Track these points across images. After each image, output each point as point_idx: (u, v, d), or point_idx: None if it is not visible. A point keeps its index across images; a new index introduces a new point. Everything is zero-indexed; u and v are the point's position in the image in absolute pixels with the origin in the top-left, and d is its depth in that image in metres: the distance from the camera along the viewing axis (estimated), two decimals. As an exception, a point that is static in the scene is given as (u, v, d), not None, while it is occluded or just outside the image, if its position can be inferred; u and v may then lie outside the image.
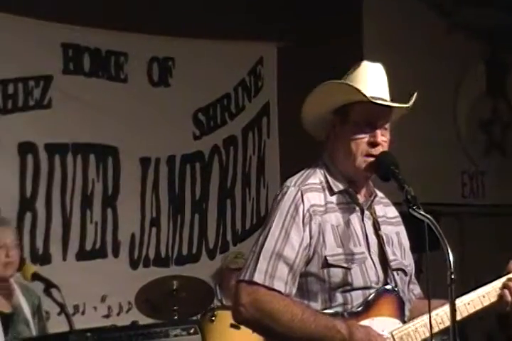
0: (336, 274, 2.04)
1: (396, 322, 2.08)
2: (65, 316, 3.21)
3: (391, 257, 2.14)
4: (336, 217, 2.09)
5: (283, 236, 2.04)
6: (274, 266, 2.02)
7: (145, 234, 4.84)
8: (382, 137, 2.11)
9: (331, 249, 2.06)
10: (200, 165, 5.09)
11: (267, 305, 2.00)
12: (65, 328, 3.20)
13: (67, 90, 4.59)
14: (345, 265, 2.05)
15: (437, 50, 5.75)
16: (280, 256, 2.03)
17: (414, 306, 2.18)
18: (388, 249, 2.14)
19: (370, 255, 2.10)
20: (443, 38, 5.86)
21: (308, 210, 2.06)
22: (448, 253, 1.89)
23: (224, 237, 5.13)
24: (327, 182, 2.13)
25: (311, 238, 2.05)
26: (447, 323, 2.04)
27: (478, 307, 2.15)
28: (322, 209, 2.08)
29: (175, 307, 3.86)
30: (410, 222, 2.15)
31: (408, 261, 2.21)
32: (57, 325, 3.56)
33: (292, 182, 2.11)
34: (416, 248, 2.24)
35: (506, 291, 2.16)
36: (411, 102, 2.14)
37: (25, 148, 4.46)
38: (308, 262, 2.05)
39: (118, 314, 4.60)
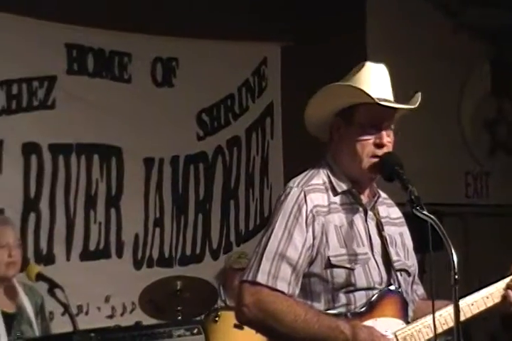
0: (339, 275, 2.04)
1: (399, 323, 2.08)
2: (69, 316, 3.21)
3: (394, 258, 2.14)
4: (339, 218, 2.09)
5: (286, 236, 2.04)
6: (277, 266, 2.02)
7: (149, 234, 4.84)
8: (388, 138, 2.11)
9: (334, 249, 2.06)
10: (203, 166, 5.09)
11: (270, 306, 2.00)
12: (69, 328, 3.20)
13: (71, 90, 4.60)
14: (348, 265, 2.05)
15: (442, 50, 5.74)
16: (283, 256, 2.03)
17: (417, 307, 2.18)
18: (391, 249, 2.14)
19: (373, 255, 2.10)
20: (448, 38, 5.85)
21: (311, 211, 2.06)
22: (452, 254, 1.88)
23: (227, 238, 5.13)
24: (330, 182, 2.13)
25: (314, 238, 2.05)
26: (451, 324, 2.03)
27: (482, 308, 2.14)
28: (325, 209, 2.08)
29: (178, 308, 3.86)
30: (414, 223, 2.15)
31: (411, 262, 2.20)
32: (61, 325, 3.56)
33: (295, 182, 2.11)
34: (419, 248, 2.23)
35: (510, 292, 2.16)
36: (417, 103, 2.14)
37: (29, 149, 4.47)
38: (311, 263, 2.05)
39: (122, 314, 4.60)
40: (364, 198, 2.16)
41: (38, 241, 4.43)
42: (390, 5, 5.69)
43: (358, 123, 2.11)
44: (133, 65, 4.83)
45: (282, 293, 2.02)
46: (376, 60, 2.19)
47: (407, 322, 2.10)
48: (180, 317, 3.84)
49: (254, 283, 2.02)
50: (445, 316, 2.06)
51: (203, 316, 3.86)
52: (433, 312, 1.99)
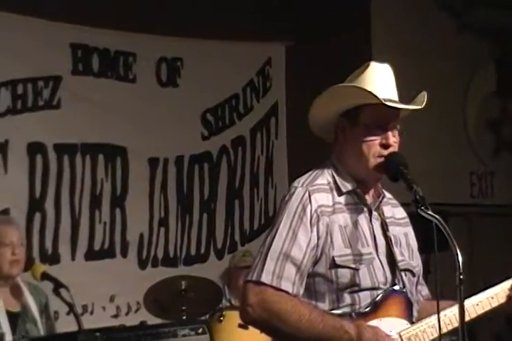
0: (344, 275, 2.04)
1: (404, 323, 2.08)
2: (74, 316, 3.22)
3: (399, 258, 2.13)
4: (343, 218, 2.09)
5: (290, 236, 2.04)
6: (282, 266, 2.02)
7: (153, 234, 4.85)
8: (393, 138, 2.11)
9: (339, 249, 2.06)
10: (208, 166, 5.09)
11: (275, 306, 2.00)
12: (74, 328, 3.21)
13: (76, 90, 4.61)
14: (353, 266, 2.05)
15: (447, 50, 5.74)
16: (288, 256, 2.03)
17: (422, 307, 2.18)
18: (396, 249, 2.14)
19: (378, 256, 2.10)
20: (453, 38, 5.85)
21: (315, 211, 2.06)
22: (457, 254, 1.88)
23: (232, 237, 5.14)
24: (335, 182, 2.13)
25: (318, 238, 2.05)
26: (455, 324, 2.03)
27: (487, 308, 2.14)
28: (330, 209, 2.08)
29: (183, 308, 3.86)
30: (419, 223, 2.15)
31: (416, 262, 2.20)
32: (66, 324, 3.57)
33: (300, 182, 2.11)
34: (424, 248, 2.23)
35: (515, 292, 2.16)
36: (423, 103, 2.13)
37: (35, 149, 4.48)
38: (315, 262, 2.05)
39: (126, 314, 4.61)
40: (369, 198, 2.16)
41: (43, 240, 4.44)
42: (394, 5, 5.69)
43: (364, 124, 2.11)
44: (138, 65, 4.84)
45: (287, 292, 2.02)
46: (381, 59, 2.19)
47: (412, 323, 2.10)
48: (185, 317, 3.84)
49: (259, 282, 2.02)
50: (450, 316, 2.06)
51: (207, 316, 3.86)
52: (438, 312, 1.99)
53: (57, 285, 3.30)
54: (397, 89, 2.16)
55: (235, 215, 5.16)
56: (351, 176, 2.13)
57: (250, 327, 2.18)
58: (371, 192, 2.17)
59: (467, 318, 1.99)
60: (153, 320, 3.94)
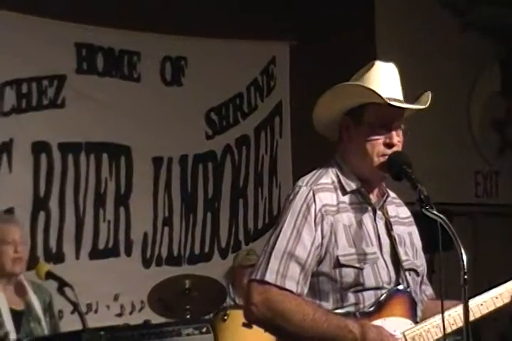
0: (348, 274, 2.04)
1: (408, 323, 2.08)
2: (78, 315, 3.23)
3: (403, 257, 2.13)
4: (348, 217, 2.09)
5: (295, 235, 2.04)
6: (286, 265, 2.02)
7: (157, 233, 4.85)
8: (397, 138, 2.11)
9: (343, 248, 2.05)
10: (212, 165, 5.09)
11: (279, 305, 2.00)
12: (78, 327, 3.22)
13: (80, 89, 4.61)
14: (357, 265, 2.05)
15: (451, 49, 5.73)
16: (292, 255, 2.02)
17: (426, 307, 2.18)
18: (400, 249, 2.14)
19: (382, 255, 2.10)
20: (456, 37, 5.84)
21: (320, 210, 2.06)
22: (461, 254, 1.88)
23: (236, 236, 5.14)
24: (339, 181, 2.12)
25: (322, 238, 2.05)
26: (460, 324, 2.03)
27: (491, 308, 2.14)
28: (334, 209, 2.08)
29: (187, 307, 3.86)
30: (423, 222, 2.15)
31: (420, 262, 2.20)
32: (70, 323, 3.58)
33: (304, 181, 2.11)
34: (428, 248, 2.23)
35: (520, 292, 2.15)
36: (427, 103, 2.13)
37: (39, 148, 4.48)
38: (319, 262, 2.05)
39: (130, 313, 4.62)
40: (373, 197, 2.15)
41: (48, 239, 4.45)
42: (398, 4, 5.68)
43: (368, 123, 2.10)
44: (142, 64, 4.84)
45: (291, 292, 2.01)
46: (385, 59, 2.18)
47: (416, 322, 2.09)
48: (188, 316, 3.85)
49: (263, 282, 2.02)
50: (454, 316, 2.06)
51: (211, 315, 3.86)
52: (442, 312, 1.98)
53: (62, 284, 3.31)
54: (402, 89, 2.15)
55: (239, 214, 5.16)
56: (355, 175, 2.13)
57: (254, 326, 2.18)
58: (375, 191, 2.17)
59: (471, 318, 1.98)
60: (157, 319, 3.95)
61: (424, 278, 2.23)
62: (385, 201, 2.17)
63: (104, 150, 4.69)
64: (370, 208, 2.13)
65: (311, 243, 2.04)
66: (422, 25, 5.69)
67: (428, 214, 1.97)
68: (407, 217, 2.24)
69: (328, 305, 2.04)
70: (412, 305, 2.10)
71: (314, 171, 2.15)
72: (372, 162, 2.09)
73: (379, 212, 2.14)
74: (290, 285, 2.01)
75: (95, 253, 4.60)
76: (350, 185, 2.12)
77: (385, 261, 2.09)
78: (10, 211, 4.28)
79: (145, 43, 4.83)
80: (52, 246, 4.46)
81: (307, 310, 1.99)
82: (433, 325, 2.06)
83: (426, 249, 2.24)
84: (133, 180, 4.78)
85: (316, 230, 2.04)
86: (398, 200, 2.24)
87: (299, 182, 2.11)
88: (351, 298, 2.04)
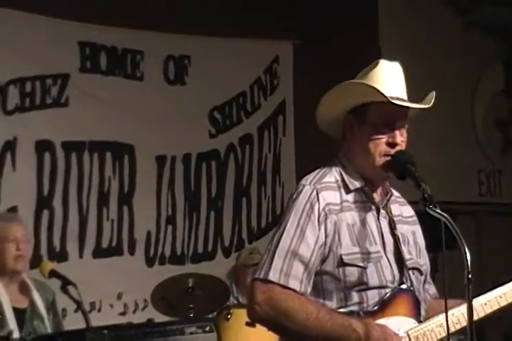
0: (352, 273, 2.04)
1: (412, 322, 2.08)
2: (82, 313, 3.23)
3: (407, 256, 2.13)
4: (351, 216, 2.09)
5: (298, 234, 2.04)
6: (289, 264, 2.02)
7: (161, 231, 4.85)
8: (401, 137, 2.10)
9: (347, 247, 2.05)
10: (215, 164, 5.10)
11: (282, 304, 2.00)
12: (82, 325, 3.22)
13: (84, 88, 4.62)
14: (361, 264, 2.04)
15: (454, 48, 5.73)
16: (295, 254, 2.02)
17: (429, 306, 2.17)
18: (404, 248, 2.14)
19: (385, 254, 2.09)
20: (459, 35, 5.83)
21: (323, 209, 2.06)
22: (465, 253, 1.87)
23: (239, 235, 5.14)
24: (343, 180, 2.12)
25: (326, 237, 2.05)
26: (464, 323, 2.03)
27: (495, 307, 2.13)
28: (337, 207, 2.08)
29: (190, 305, 3.86)
30: (426, 221, 2.14)
31: (424, 261, 2.20)
32: (74, 321, 3.58)
33: (308, 180, 2.11)
34: (432, 247, 2.23)
35: (524, 291, 2.15)
36: (431, 102, 2.12)
37: (43, 146, 4.49)
38: (323, 261, 2.04)
39: (134, 311, 4.62)
40: (376, 196, 2.15)
41: (51, 238, 4.46)
42: (401, 3, 5.68)
43: (371, 122, 2.10)
44: (145, 63, 4.84)
45: (294, 291, 2.01)
46: (388, 58, 2.18)
47: (420, 321, 2.09)
48: (192, 315, 3.85)
49: (266, 280, 2.01)
50: (458, 315, 2.06)
51: (215, 313, 3.86)
52: (446, 311, 1.98)
53: (65, 283, 3.32)
54: (405, 88, 2.15)
55: (242, 213, 5.16)
56: (359, 174, 2.13)
57: (258, 325, 2.18)
58: (379, 190, 2.16)
59: (475, 317, 1.98)
60: (160, 318, 3.95)
61: (428, 277, 2.23)
62: (388, 200, 2.17)
63: (107, 149, 4.70)
64: (373, 207, 2.13)
65: (315, 242, 2.03)
66: (425, 24, 5.68)
67: (432, 213, 1.96)
68: (411, 216, 2.23)
69: (332, 304, 2.04)
70: (416, 304, 2.10)
71: (318, 170, 2.15)
72: (375, 161, 2.09)
73: (382, 211, 2.14)
74: (293, 284, 2.01)
75: (99, 252, 4.60)
76: (354, 184, 2.12)
77: (388, 260, 2.09)
78: (14, 209, 4.29)
79: (148, 42, 4.84)
80: (56, 245, 4.47)
81: (311, 309, 1.99)
82: (437, 324, 2.05)
83: (429, 247, 2.23)
84: (136, 178, 4.78)
85: (319, 229, 2.04)
86: (402, 199, 2.24)
87: (303, 181, 2.11)
88: (355, 297, 2.04)
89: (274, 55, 5.33)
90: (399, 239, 2.14)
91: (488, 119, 6.08)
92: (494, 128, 6.12)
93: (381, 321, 2.03)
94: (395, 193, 2.22)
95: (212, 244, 5.03)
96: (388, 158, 2.09)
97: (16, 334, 3.27)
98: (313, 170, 2.16)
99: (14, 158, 4.38)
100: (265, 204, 5.25)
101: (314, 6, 5.26)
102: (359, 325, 1.98)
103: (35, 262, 3.78)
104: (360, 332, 1.98)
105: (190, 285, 3.92)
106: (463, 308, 2.00)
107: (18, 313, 3.38)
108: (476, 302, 2.08)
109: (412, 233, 2.20)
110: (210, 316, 3.88)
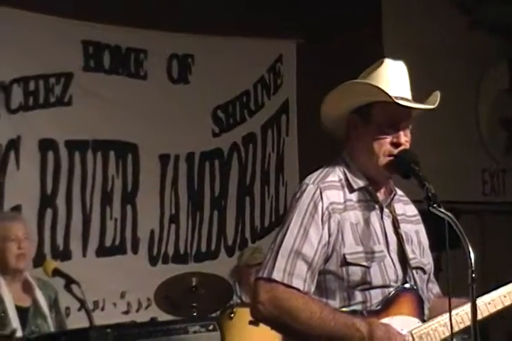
0: (355, 272, 2.03)
1: (415, 321, 2.07)
2: (85, 312, 3.24)
3: (410, 255, 2.12)
4: (355, 215, 2.09)
5: (302, 233, 2.04)
6: (293, 263, 2.01)
7: (164, 230, 4.86)
8: (405, 137, 2.10)
9: (350, 247, 2.05)
10: (219, 163, 5.10)
11: (286, 303, 1.99)
12: (85, 324, 3.23)
13: (87, 87, 4.62)
14: (364, 263, 2.04)
15: (458, 47, 5.72)
16: (299, 253, 2.02)
17: (433, 305, 2.17)
18: (408, 247, 2.13)
19: (389, 253, 2.09)
20: (464, 35, 5.82)
21: (327, 208, 2.05)
22: (469, 252, 1.87)
23: (243, 234, 5.14)
24: (346, 179, 2.12)
25: (329, 236, 2.04)
26: (467, 323, 2.02)
27: (499, 306, 2.12)
28: (341, 207, 2.07)
29: (194, 304, 3.86)
30: (430, 220, 2.14)
31: (427, 260, 2.19)
32: (77, 320, 3.59)
33: (311, 179, 2.11)
34: (436, 246, 2.22)
35: (528, 291, 2.14)
36: (436, 103, 2.12)
37: (46, 145, 4.49)
38: (326, 260, 2.04)
39: (137, 310, 4.63)
40: (380, 195, 2.15)
41: (55, 237, 4.46)
42: (405, 1, 5.67)
43: (376, 123, 2.09)
44: (149, 62, 4.84)
45: (298, 290, 2.01)
46: (392, 57, 2.17)
47: (423, 321, 2.09)
48: (195, 314, 3.85)
49: (270, 280, 2.01)
50: (462, 315, 2.05)
51: (218, 312, 3.86)
52: (449, 311, 1.98)
53: (69, 282, 3.32)
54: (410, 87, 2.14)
55: (245, 212, 5.16)
56: (362, 173, 2.13)
57: (261, 324, 2.18)
58: (382, 189, 2.16)
59: (479, 317, 1.97)
60: (163, 317, 3.95)
61: (431, 276, 2.22)
62: (392, 199, 2.17)
63: (111, 148, 4.70)
64: (377, 206, 2.13)
65: (318, 241, 2.03)
66: (429, 23, 5.67)
67: (435, 212, 1.96)
68: (415, 215, 2.23)
69: (335, 303, 2.04)
70: (420, 303, 2.10)
71: (321, 169, 2.15)
72: (379, 161, 2.08)
73: (386, 210, 2.14)
74: (297, 283, 2.01)
75: (102, 251, 4.61)
76: (358, 183, 2.12)
77: (392, 259, 2.09)
78: (17, 208, 4.30)
79: (152, 41, 4.84)
80: (60, 244, 4.47)
81: (314, 308, 1.99)
82: (440, 323, 2.05)
83: (433, 247, 2.23)
84: (140, 177, 4.79)
85: (323, 228, 2.04)
86: (405, 198, 2.24)
87: (306, 180, 2.11)
88: (358, 296, 2.03)
89: (277, 54, 5.33)
90: (402, 238, 2.13)
91: (493, 118, 6.07)
92: (498, 127, 6.11)
93: (385, 320, 2.02)
94: (399, 192, 2.22)
95: (215, 243, 5.03)
96: (391, 158, 2.08)
97: (18, 333, 3.28)
98: (316, 169, 2.16)
99: (18, 156, 4.39)
100: (268, 203, 5.25)
101: (318, 6, 5.25)
102: (362, 325, 1.98)
103: (39, 261, 3.79)
104: (364, 331, 1.98)
105: (193, 284, 3.92)
106: (467, 307, 2.00)
107: (21, 312, 3.39)
108: (480, 301, 2.07)
109: (415, 232, 2.20)
110: (214, 315, 3.88)
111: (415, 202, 2.25)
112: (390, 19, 5.60)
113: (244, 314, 3.54)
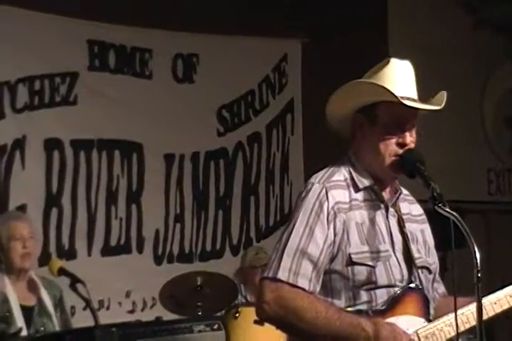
0: (361, 272, 2.03)
1: (421, 321, 2.07)
2: (90, 311, 3.24)
3: (416, 255, 2.12)
4: (360, 215, 2.08)
5: (307, 233, 2.03)
6: (298, 263, 2.01)
7: (169, 230, 4.86)
8: (411, 137, 2.10)
9: (356, 246, 2.05)
10: (224, 162, 5.10)
11: (291, 302, 1.99)
12: (91, 323, 3.23)
13: (92, 87, 4.63)
14: (369, 263, 2.04)
15: (464, 47, 5.71)
16: (304, 253, 2.02)
17: (438, 305, 2.17)
18: (413, 246, 2.13)
19: (394, 253, 2.09)
20: (469, 34, 5.81)
21: (332, 207, 2.05)
22: (474, 251, 1.87)
23: (247, 234, 5.14)
24: (352, 179, 2.11)
25: (335, 235, 2.04)
26: (473, 322, 2.02)
27: (505, 306, 2.12)
28: (346, 206, 2.07)
29: (199, 303, 3.87)
30: (436, 220, 2.14)
31: (432, 259, 2.19)
32: (82, 319, 3.59)
33: (317, 179, 2.10)
34: (441, 246, 2.22)
35: (534, 291, 2.14)
36: (443, 103, 2.11)
37: (51, 144, 4.50)
38: (332, 259, 2.04)
39: (142, 309, 4.63)
40: (386, 195, 2.14)
41: (60, 236, 4.47)
42: (410, 1, 5.66)
43: (382, 123, 2.09)
44: (154, 61, 4.85)
45: (303, 289, 2.01)
46: (398, 56, 2.17)
47: (429, 320, 2.08)
48: (200, 313, 3.85)
49: (275, 279, 2.01)
50: (467, 314, 2.05)
51: (223, 312, 3.86)
52: (455, 310, 1.97)
53: (74, 281, 3.33)
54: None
55: (250, 211, 5.16)
56: (368, 172, 2.12)
57: (266, 324, 2.18)
58: (388, 188, 2.16)
59: (485, 317, 1.97)
60: (168, 316, 3.96)
61: (437, 275, 2.22)
62: (397, 198, 2.16)
63: (116, 147, 4.71)
64: (382, 205, 2.12)
65: (324, 241, 2.03)
66: (435, 23, 5.66)
67: (441, 211, 1.96)
68: (420, 215, 2.22)
69: (341, 303, 2.04)
70: (425, 303, 2.09)
71: (327, 168, 2.15)
72: (384, 161, 2.08)
73: (391, 209, 2.13)
74: (302, 282, 2.01)
75: (107, 250, 4.61)
76: (363, 182, 2.11)
77: (397, 259, 2.08)
78: (23, 207, 4.30)
79: (157, 40, 4.84)
80: (65, 243, 4.48)
81: (320, 308, 1.99)
82: (446, 323, 2.04)
83: (438, 246, 2.23)
84: (145, 177, 4.79)
85: (328, 228, 2.04)
86: (411, 198, 2.24)
87: (312, 180, 2.11)
88: (363, 295, 2.03)
89: (282, 54, 5.33)
90: (408, 237, 2.13)
91: (498, 118, 6.06)
92: (503, 126, 6.10)
93: (390, 320, 2.02)
94: (404, 191, 2.21)
95: (220, 242, 5.04)
96: (396, 158, 2.08)
97: (23, 332, 3.28)
98: (321, 169, 2.15)
99: (23, 156, 4.39)
100: (273, 202, 5.24)
101: (323, 5, 5.25)
102: (368, 324, 1.98)
103: (44, 260, 3.79)
104: (369, 331, 1.97)
105: (198, 283, 3.92)
106: (472, 307, 2.00)
107: (26, 311, 3.39)
108: (486, 301, 2.07)
109: (420, 231, 2.20)
110: (219, 314, 3.88)
111: (421, 201, 2.24)
112: (395, 19, 5.60)
113: (249, 313, 3.54)
